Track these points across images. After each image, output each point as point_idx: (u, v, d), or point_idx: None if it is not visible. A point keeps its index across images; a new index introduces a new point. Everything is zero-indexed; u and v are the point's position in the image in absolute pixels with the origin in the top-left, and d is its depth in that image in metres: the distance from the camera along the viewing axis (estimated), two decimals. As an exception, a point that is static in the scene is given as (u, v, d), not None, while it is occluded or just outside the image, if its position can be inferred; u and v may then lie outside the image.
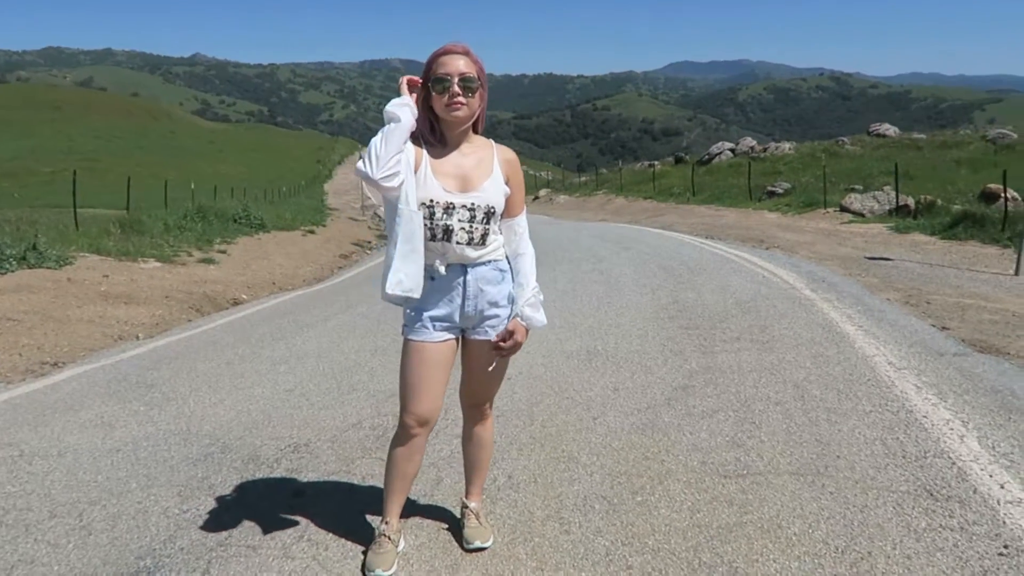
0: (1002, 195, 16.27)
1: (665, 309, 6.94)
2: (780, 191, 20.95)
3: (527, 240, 2.59)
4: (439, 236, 2.43)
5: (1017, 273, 8.92)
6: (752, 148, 32.09)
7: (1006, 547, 2.56)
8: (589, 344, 5.66)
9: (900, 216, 15.30)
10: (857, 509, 2.87)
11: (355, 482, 3.34)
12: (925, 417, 3.85)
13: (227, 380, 5.17)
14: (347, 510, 3.04)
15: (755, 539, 2.66)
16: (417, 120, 2.47)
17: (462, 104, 2.37)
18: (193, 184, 22.06)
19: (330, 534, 2.82)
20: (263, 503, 3.15)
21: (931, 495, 2.97)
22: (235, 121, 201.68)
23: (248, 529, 2.90)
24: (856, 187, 18.97)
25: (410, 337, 2.55)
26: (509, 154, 2.56)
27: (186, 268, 11.33)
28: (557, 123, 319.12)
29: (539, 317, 2.56)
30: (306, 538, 2.81)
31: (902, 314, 6.54)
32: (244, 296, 10.11)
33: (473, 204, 2.43)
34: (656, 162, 39.54)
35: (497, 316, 2.54)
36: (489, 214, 2.45)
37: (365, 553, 2.63)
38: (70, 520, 3.08)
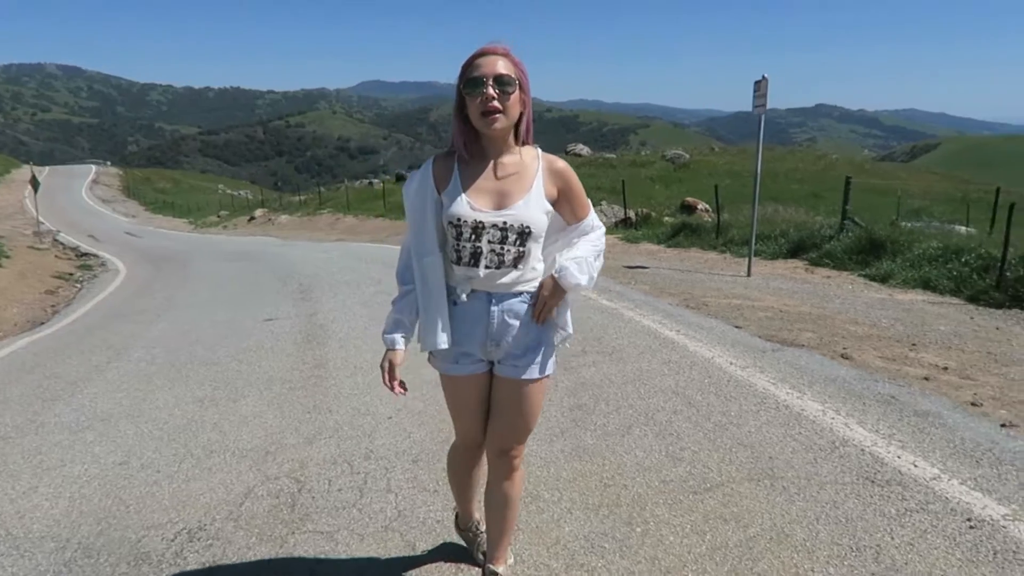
0: (699, 207, 18.84)
1: (490, 328, 6.86)
2: (511, 207, 21.97)
3: (599, 232, 2.35)
4: (466, 260, 2.17)
5: (749, 274, 10.32)
6: (469, 166, 33.46)
7: (969, 521, 2.88)
8: (445, 371, 5.38)
9: (625, 228, 16.93)
10: (831, 505, 3.04)
11: (310, 566, 2.76)
12: (803, 410, 4.24)
13: (19, 460, 4.04)
14: (328, 601, 2.51)
15: (778, 552, 2.69)
16: (453, 133, 2.20)
17: (498, 109, 2.07)
18: None
19: (334, 637, 2.30)
20: (206, 614, 2.48)
21: (873, 482, 3.25)
22: None
23: (215, 653, 2.26)
24: (578, 202, 20.63)
25: (437, 367, 2.33)
26: (558, 164, 2.26)
27: None
28: (249, 140, 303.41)
29: (581, 277, 2.23)
30: (306, 648, 2.25)
31: (697, 316, 7.19)
32: (-56, 349, 8.06)
33: (505, 223, 2.15)
34: (374, 179, 39.47)
35: (525, 359, 2.27)
36: (523, 234, 2.16)
37: None
38: None
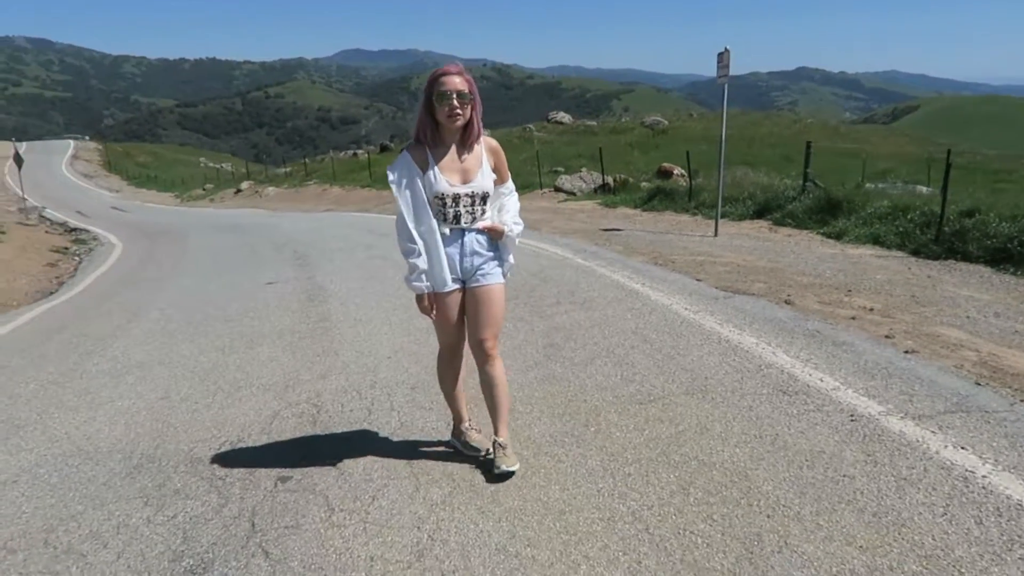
0: (675, 172, 19.52)
1: (474, 285, 7.57)
2: (494, 175, 22.67)
3: (515, 196, 3.31)
4: (451, 219, 3.08)
5: (716, 234, 11.07)
6: (453, 135, 33.97)
7: (852, 416, 3.66)
8: (435, 321, 6.09)
9: (604, 193, 17.63)
10: (746, 409, 3.81)
11: (331, 459, 3.49)
12: (740, 343, 5.00)
13: (72, 399, 4.74)
14: (350, 481, 3.25)
15: (698, 440, 3.45)
16: (420, 127, 3.06)
17: (460, 115, 2.98)
18: None
19: (358, 501, 3.05)
20: (255, 492, 3.22)
21: (785, 393, 4.02)
22: None
23: (268, 515, 3.00)
24: (559, 169, 21.29)
25: (434, 290, 3.18)
26: (493, 143, 3.20)
27: None
28: (228, 111, 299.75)
29: (518, 229, 3.26)
30: (338, 508, 3.00)
31: (663, 272, 7.94)
32: (-32, 317, 8.68)
33: (473, 192, 3.09)
34: (358, 150, 39.86)
35: (487, 271, 3.18)
36: (485, 198, 3.12)
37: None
38: (41, 549, 2.89)
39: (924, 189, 16.74)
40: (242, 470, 3.47)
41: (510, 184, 3.30)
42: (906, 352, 4.79)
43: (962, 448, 3.25)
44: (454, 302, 3.19)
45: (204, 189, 42.08)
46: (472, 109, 3.01)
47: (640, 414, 3.82)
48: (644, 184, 17.71)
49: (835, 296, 6.53)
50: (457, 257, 3.12)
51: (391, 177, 3.09)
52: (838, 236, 10.25)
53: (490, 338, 3.20)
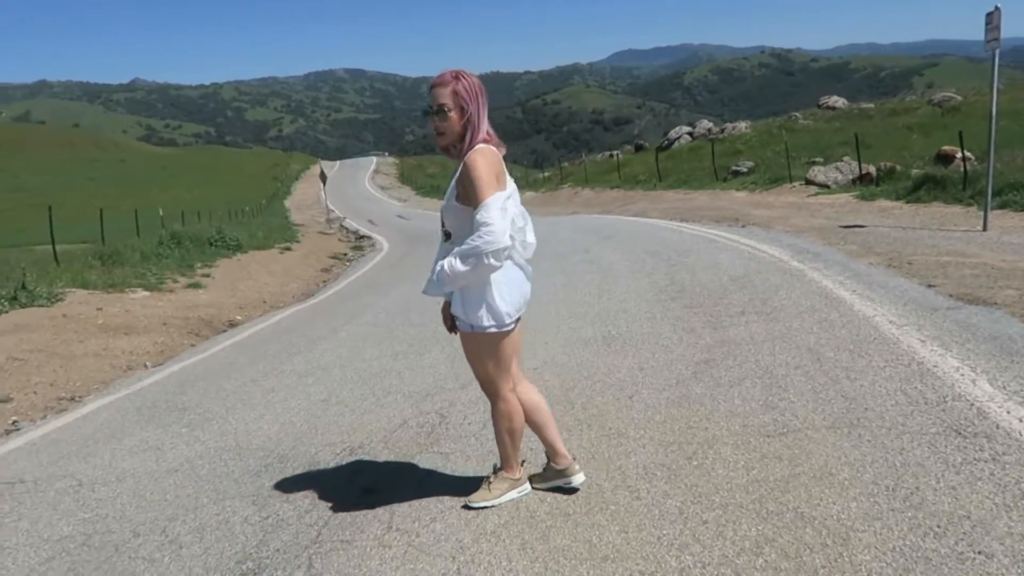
0: (957, 156, 16.90)
1: (664, 291, 7.19)
2: (744, 170, 21.45)
3: (480, 231, 2.62)
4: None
5: (985, 228, 9.36)
6: (709, 130, 32.73)
7: (1036, 471, 2.83)
8: (602, 330, 5.88)
9: (863, 184, 15.80)
10: (896, 452, 3.13)
11: (420, 476, 3.50)
12: (936, 367, 4.14)
13: (258, 396, 5.30)
14: (423, 500, 3.21)
15: (811, 487, 2.90)
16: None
17: (439, 132, 2.78)
18: (161, 211, 21.86)
19: (416, 522, 3.00)
20: (340, 501, 3.31)
21: (959, 434, 3.24)
22: (183, 145, 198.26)
23: (336, 527, 3.07)
24: (817, 160, 19.50)
25: None
26: (467, 158, 2.74)
27: (175, 295, 11.31)
28: (509, 120, 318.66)
29: (423, 285, 2.96)
30: (395, 527, 2.98)
31: (889, 276, 6.88)
32: (239, 317, 10.17)
33: (441, 213, 2.89)
34: (616, 152, 40.11)
35: (456, 312, 2.97)
36: (443, 222, 2.89)
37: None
38: (156, 537, 3.22)
39: None
40: (344, 478, 3.61)
41: (481, 213, 2.62)
42: None
43: None
44: None
45: (475, 196, 45.07)
46: (460, 123, 2.75)
47: (759, 449, 3.31)
48: (915, 172, 15.56)
49: (1110, 308, 5.16)
50: None
51: None
52: None
53: (481, 383, 3.15)
